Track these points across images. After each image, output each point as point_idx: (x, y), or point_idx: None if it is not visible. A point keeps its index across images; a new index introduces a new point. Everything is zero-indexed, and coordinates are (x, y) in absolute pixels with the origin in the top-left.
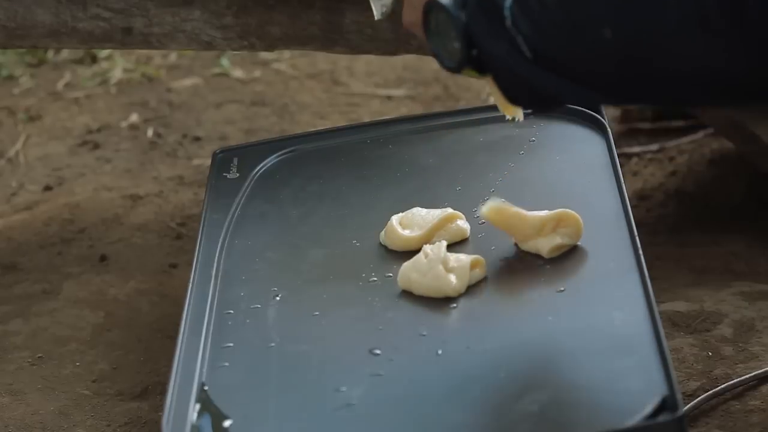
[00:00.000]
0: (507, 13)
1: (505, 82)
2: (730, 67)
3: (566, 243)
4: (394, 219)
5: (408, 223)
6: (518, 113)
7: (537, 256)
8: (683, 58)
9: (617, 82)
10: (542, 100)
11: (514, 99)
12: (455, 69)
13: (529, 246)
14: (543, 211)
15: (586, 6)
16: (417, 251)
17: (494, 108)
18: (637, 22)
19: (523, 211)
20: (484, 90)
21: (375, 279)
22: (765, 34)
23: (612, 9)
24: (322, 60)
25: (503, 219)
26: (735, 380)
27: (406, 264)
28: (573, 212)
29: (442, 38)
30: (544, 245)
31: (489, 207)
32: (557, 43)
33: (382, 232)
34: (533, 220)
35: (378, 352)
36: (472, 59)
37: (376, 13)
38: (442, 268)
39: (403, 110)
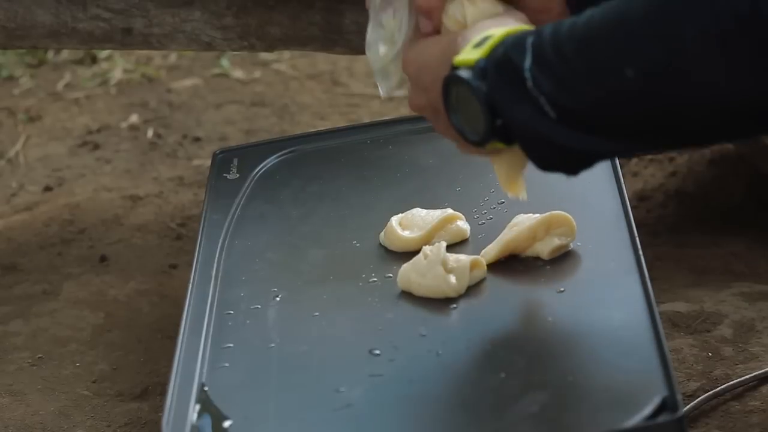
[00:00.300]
0: (527, 74)
1: (532, 146)
2: (758, 89)
3: (564, 243)
4: (394, 220)
5: (408, 224)
6: (522, 193)
7: (537, 257)
8: (708, 85)
9: (645, 125)
10: (570, 160)
11: (542, 163)
12: (481, 142)
13: (528, 253)
14: (530, 215)
15: (605, 48)
16: (417, 252)
17: None
18: (656, 53)
19: (509, 234)
20: None
21: (375, 279)
22: None
23: (631, 45)
24: (322, 60)
25: (502, 255)
26: (735, 381)
27: (406, 265)
28: (561, 212)
29: (465, 113)
30: (543, 249)
31: (486, 260)
32: (580, 94)
33: (382, 233)
34: (524, 234)
35: (378, 352)
36: (497, 130)
37: (383, 91)
38: (441, 268)
39: (403, 111)
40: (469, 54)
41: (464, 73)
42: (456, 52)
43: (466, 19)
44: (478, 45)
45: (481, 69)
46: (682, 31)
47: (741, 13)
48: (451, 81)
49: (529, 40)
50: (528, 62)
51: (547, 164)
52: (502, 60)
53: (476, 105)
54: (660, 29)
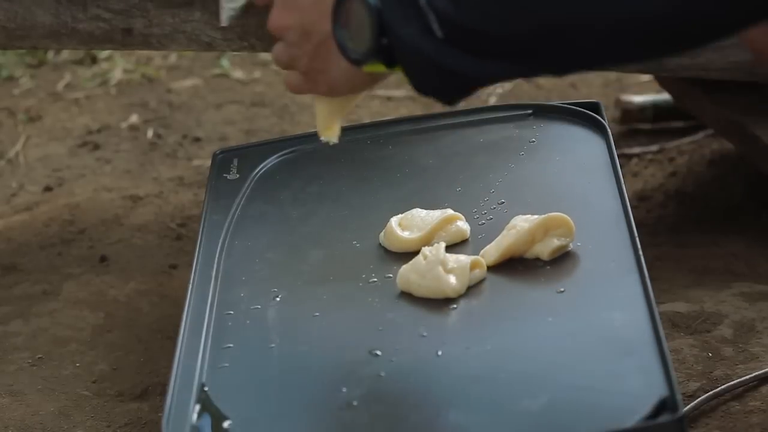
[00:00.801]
0: None
1: (414, 66)
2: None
3: (563, 244)
4: (393, 221)
5: (407, 225)
6: (333, 136)
7: (537, 258)
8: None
9: (537, 41)
10: (449, 83)
11: (421, 85)
12: (361, 59)
13: (528, 255)
14: (528, 216)
15: None
16: (417, 253)
17: (495, 109)
18: None
19: (507, 237)
20: (484, 91)
21: (375, 280)
22: None
23: None
24: None
25: (501, 259)
26: (735, 381)
27: (405, 266)
28: (559, 214)
29: (351, 30)
30: (543, 250)
31: (486, 262)
32: (472, 12)
33: (382, 233)
34: (522, 237)
35: (378, 352)
36: (381, 49)
37: (224, 19)
38: (441, 269)
39: (403, 111)
40: None
41: None
42: None
43: None
44: None
45: None
46: None
47: None
48: None
49: None
50: None
51: (425, 86)
52: None
53: (366, 21)
54: None
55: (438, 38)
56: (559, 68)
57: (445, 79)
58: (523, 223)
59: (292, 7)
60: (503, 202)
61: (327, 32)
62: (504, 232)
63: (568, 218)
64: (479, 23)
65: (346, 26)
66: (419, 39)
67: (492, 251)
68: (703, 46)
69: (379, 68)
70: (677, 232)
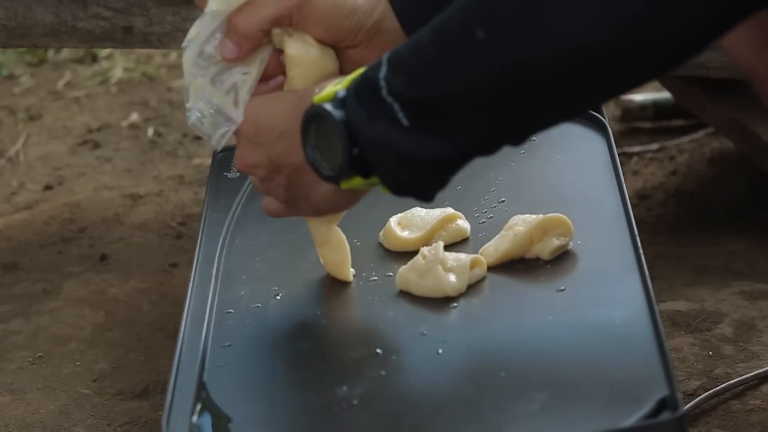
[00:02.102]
0: (382, 83)
1: (386, 166)
2: (615, 27)
3: (563, 243)
4: (393, 220)
5: (407, 224)
6: (348, 276)
7: (537, 258)
8: (566, 26)
9: (506, 95)
10: (423, 176)
11: (396, 184)
12: (337, 176)
13: (528, 256)
14: (527, 216)
15: (455, 19)
16: (417, 252)
17: None
18: (503, 7)
19: (506, 241)
20: None
21: (375, 278)
22: None
23: (480, 5)
24: None
25: (500, 261)
26: (735, 379)
27: (404, 267)
28: (556, 215)
29: (322, 147)
30: (543, 251)
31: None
32: (432, 81)
33: (381, 233)
34: (520, 241)
35: (379, 351)
36: (354, 160)
37: (216, 143)
38: (440, 268)
39: None
40: (329, 89)
41: (325, 105)
42: (311, 98)
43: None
44: (339, 82)
45: (340, 99)
46: None
47: None
48: (311, 116)
49: (385, 55)
50: (383, 72)
51: (400, 185)
52: (361, 82)
53: (335, 136)
54: None
55: (404, 127)
56: (530, 124)
57: (418, 170)
58: (520, 225)
59: (257, 144)
60: (504, 201)
61: (298, 163)
62: (502, 231)
63: (566, 218)
64: (442, 92)
65: (316, 146)
66: (386, 133)
67: (490, 254)
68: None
69: (357, 182)
70: (677, 231)
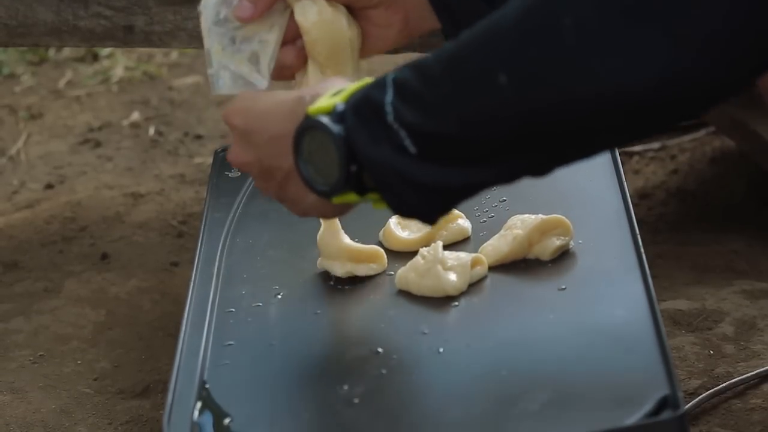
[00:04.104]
0: (388, 108)
1: (389, 188)
2: (641, 79)
3: (563, 243)
4: (392, 220)
5: (407, 223)
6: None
7: (538, 258)
8: (593, 75)
9: (522, 141)
10: (429, 200)
11: (399, 206)
12: (330, 192)
13: (529, 256)
14: (526, 216)
15: (475, 60)
16: (417, 252)
17: None
18: (532, 50)
19: (504, 243)
20: None
21: (376, 277)
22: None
23: (503, 49)
24: None
25: (501, 262)
26: (736, 378)
27: (403, 268)
28: (554, 216)
29: (317, 163)
30: (543, 252)
31: (487, 262)
32: (447, 117)
33: (381, 232)
34: (518, 244)
35: (379, 350)
36: (350, 178)
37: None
38: (440, 268)
39: None
40: (326, 101)
41: (322, 119)
42: (305, 105)
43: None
44: (336, 94)
45: (339, 113)
46: (560, 25)
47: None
48: (306, 128)
49: (391, 76)
50: (389, 96)
51: (404, 207)
52: (362, 100)
53: (332, 151)
54: (535, 27)
55: (412, 154)
56: (543, 167)
57: (424, 196)
58: (519, 228)
59: (249, 144)
60: (505, 200)
61: (288, 168)
62: (501, 231)
63: (564, 218)
64: (457, 131)
65: (310, 159)
66: (391, 158)
67: (489, 255)
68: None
69: (350, 198)
70: (678, 230)
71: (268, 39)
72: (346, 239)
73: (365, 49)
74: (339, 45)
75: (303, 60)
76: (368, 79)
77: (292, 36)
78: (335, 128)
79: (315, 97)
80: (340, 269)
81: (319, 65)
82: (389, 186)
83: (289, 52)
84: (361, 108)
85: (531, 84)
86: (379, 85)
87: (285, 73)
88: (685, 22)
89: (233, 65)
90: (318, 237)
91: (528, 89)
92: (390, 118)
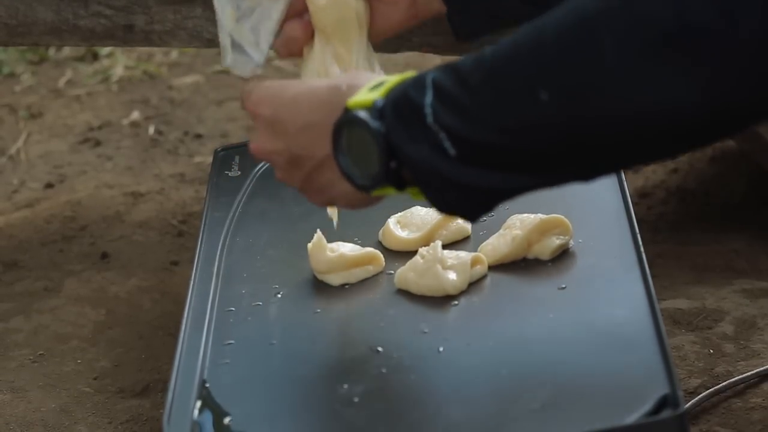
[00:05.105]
0: (428, 110)
1: (430, 187)
2: (681, 102)
3: (563, 242)
4: (392, 220)
5: (407, 223)
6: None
7: (537, 258)
8: (632, 101)
9: (559, 155)
10: (470, 200)
11: (441, 204)
12: (370, 186)
13: (529, 256)
14: (525, 215)
15: (515, 72)
16: (416, 251)
17: None
18: (573, 71)
19: (503, 245)
20: None
21: (376, 276)
22: (748, 58)
23: (544, 66)
24: None
25: (500, 262)
26: (736, 378)
27: (402, 268)
28: (553, 216)
29: (356, 156)
30: (543, 251)
31: (487, 261)
32: (487, 126)
33: (380, 232)
34: (518, 245)
35: (379, 349)
36: (390, 173)
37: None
38: (439, 267)
39: None
40: (365, 95)
41: (362, 114)
42: (341, 96)
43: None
44: (374, 88)
45: (378, 109)
46: (601, 46)
47: (666, 25)
48: (346, 122)
49: (430, 77)
50: (429, 98)
51: (445, 205)
52: (402, 98)
53: (372, 147)
54: (576, 46)
55: (451, 156)
56: (586, 176)
57: (465, 195)
58: (518, 228)
59: (277, 133)
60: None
61: (321, 157)
62: (500, 231)
63: (563, 218)
64: (496, 139)
65: (348, 153)
66: (431, 158)
67: (489, 255)
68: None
69: (389, 191)
70: (678, 229)
71: (272, 10)
72: (335, 252)
73: (373, 28)
74: (345, 18)
75: (310, 34)
76: (409, 74)
77: (299, 9)
78: (375, 124)
79: (351, 88)
80: (335, 280)
81: (326, 39)
82: (429, 185)
83: (296, 25)
84: (401, 106)
85: (570, 102)
86: (419, 84)
87: (292, 47)
88: (725, 51)
89: (236, 34)
90: (309, 254)
91: (567, 107)
92: (430, 119)
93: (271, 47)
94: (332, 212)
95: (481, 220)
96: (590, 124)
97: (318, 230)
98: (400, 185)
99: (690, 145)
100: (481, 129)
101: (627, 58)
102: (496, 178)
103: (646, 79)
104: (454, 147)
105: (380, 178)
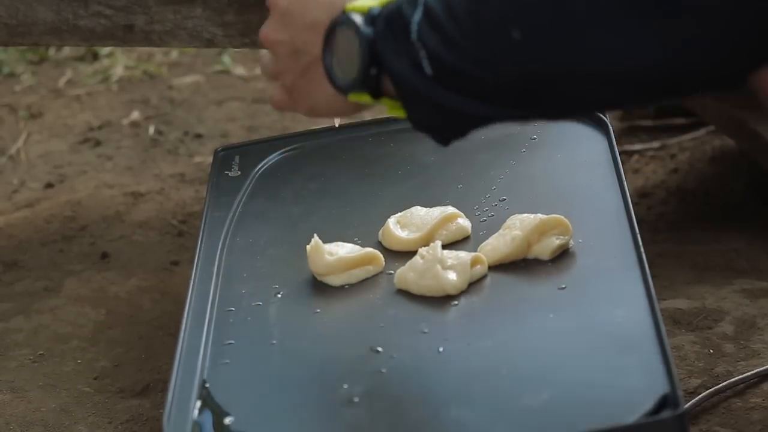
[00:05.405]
0: (414, 27)
1: (408, 101)
2: (643, 58)
3: (563, 242)
4: (391, 220)
5: (406, 223)
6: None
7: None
8: (600, 51)
9: (525, 91)
10: (443, 121)
11: (416, 121)
12: (346, 88)
13: (529, 256)
14: (525, 215)
15: (494, 8)
16: (416, 251)
17: None
18: (545, 15)
19: (503, 245)
20: None
21: (376, 276)
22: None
23: (521, 7)
24: None
25: (500, 262)
26: (736, 378)
27: (402, 269)
28: (553, 216)
29: (341, 57)
30: (543, 251)
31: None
32: (463, 52)
33: (380, 232)
34: (517, 246)
35: (379, 349)
36: (368, 80)
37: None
38: (439, 267)
39: None
40: (364, 2)
41: (356, 18)
42: (344, 1)
43: None
44: None
45: (372, 17)
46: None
47: None
48: (339, 23)
49: None
50: (418, 16)
51: (418, 122)
52: (395, 12)
53: (356, 50)
54: None
55: (427, 75)
56: (552, 115)
57: (437, 114)
58: (518, 228)
59: (287, 24)
60: (504, 199)
61: (316, 55)
62: (500, 231)
63: (563, 218)
64: (470, 68)
65: (336, 53)
66: (410, 73)
67: (488, 255)
68: (702, 94)
69: (364, 98)
70: (678, 229)
71: None
72: (334, 255)
73: None
74: None
75: None
76: None
77: None
78: (365, 30)
79: None
80: (335, 280)
81: None
82: (406, 98)
83: None
84: (393, 19)
85: (539, 47)
86: (413, 2)
87: None
88: (693, 11)
89: None
90: (308, 257)
91: (536, 51)
92: (414, 36)
93: None
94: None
95: (450, 143)
96: (555, 70)
97: (315, 235)
98: (377, 94)
99: (651, 99)
100: (458, 55)
101: (597, 13)
102: (466, 103)
103: (612, 35)
104: (431, 67)
105: (358, 82)
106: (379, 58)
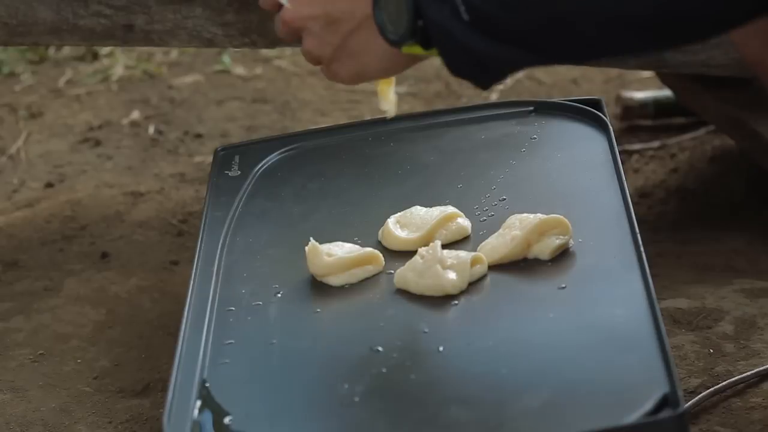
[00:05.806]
0: None
1: (446, 48)
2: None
3: (563, 242)
4: (391, 220)
5: (406, 222)
6: (391, 109)
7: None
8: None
9: (550, 36)
10: (481, 67)
11: (454, 67)
12: (399, 41)
13: (529, 255)
14: (525, 215)
15: None
16: (416, 251)
17: (496, 105)
18: None
19: (502, 245)
20: None
21: (376, 276)
22: None
23: None
24: None
25: (500, 262)
26: (736, 377)
27: (402, 269)
28: (552, 216)
29: (389, 13)
30: (543, 251)
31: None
32: (493, 2)
33: (380, 232)
34: (517, 246)
35: (379, 348)
36: (417, 31)
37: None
38: (439, 267)
39: (405, 107)
40: None
41: None
42: None
43: None
44: None
45: None
46: None
47: None
48: None
49: None
50: None
51: (458, 68)
52: None
53: (402, 4)
54: None
55: (465, 22)
56: (567, 58)
57: (474, 59)
58: (517, 228)
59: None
60: (504, 199)
61: (360, 16)
62: (500, 230)
63: (562, 218)
64: (496, 11)
65: (385, 9)
66: (449, 21)
67: (488, 255)
68: (699, 40)
69: (417, 50)
70: (678, 229)
71: None
72: (333, 256)
73: None
74: None
75: None
76: None
77: None
78: None
79: None
80: (335, 280)
81: None
82: (444, 46)
83: None
84: None
85: None
86: None
87: None
88: None
89: None
90: (307, 259)
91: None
92: None
93: None
94: (386, 102)
95: (492, 89)
96: (571, 16)
97: (311, 238)
98: (427, 44)
99: (657, 46)
100: (489, 4)
101: None
102: (498, 48)
103: None
104: (467, 13)
105: (408, 34)
106: (421, 9)
